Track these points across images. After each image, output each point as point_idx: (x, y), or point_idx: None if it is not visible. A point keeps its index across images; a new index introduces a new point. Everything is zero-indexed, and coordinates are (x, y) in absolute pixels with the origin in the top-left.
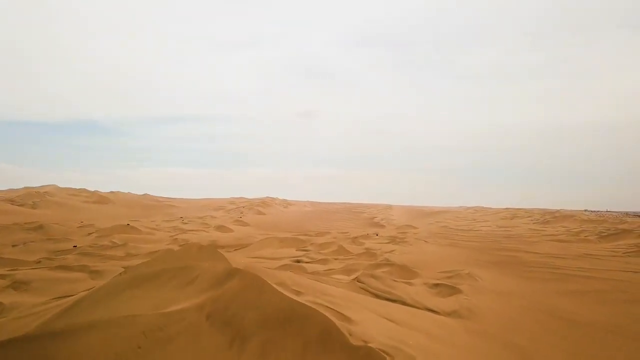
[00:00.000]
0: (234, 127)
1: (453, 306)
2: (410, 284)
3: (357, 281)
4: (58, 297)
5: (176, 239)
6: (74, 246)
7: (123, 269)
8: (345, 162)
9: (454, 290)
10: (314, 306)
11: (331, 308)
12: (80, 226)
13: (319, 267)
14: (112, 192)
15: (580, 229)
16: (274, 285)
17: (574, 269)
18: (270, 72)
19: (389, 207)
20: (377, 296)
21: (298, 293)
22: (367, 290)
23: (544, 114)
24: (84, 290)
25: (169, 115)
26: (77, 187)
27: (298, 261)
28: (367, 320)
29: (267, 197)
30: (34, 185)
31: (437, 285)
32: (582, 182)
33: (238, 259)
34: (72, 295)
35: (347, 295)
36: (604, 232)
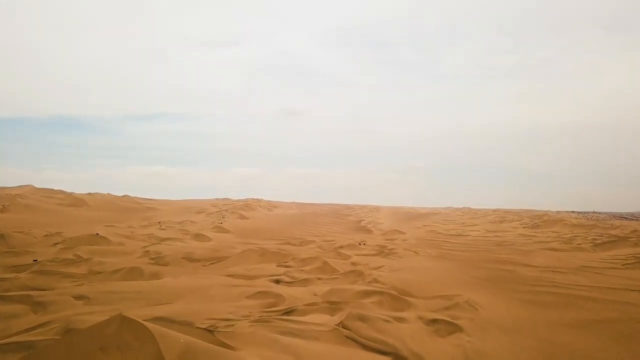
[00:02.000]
0: (218, 126)
1: (456, 356)
2: (403, 320)
3: (343, 327)
4: None
5: (148, 250)
6: (34, 260)
7: (73, 299)
8: (331, 162)
9: (454, 328)
10: None
11: None
12: (47, 235)
13: (299, 293)
14: (89, 193)
15: (572, 234)
16: None
17: (575, 287)
18: (253, 71)
19: (377, 208)
20: (366, 347)
21: None
22: (355, 340)
23: (527, 113)
24: (18, 333)
25: (152, 114)
26: (57, 188)
27: (277, 281)
28: None
29: (251, 198)
30: (11, 186)
31: (434, 321)
32: (566, 182)
33: (179, 338)
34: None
35: None
36: (598, 239)
